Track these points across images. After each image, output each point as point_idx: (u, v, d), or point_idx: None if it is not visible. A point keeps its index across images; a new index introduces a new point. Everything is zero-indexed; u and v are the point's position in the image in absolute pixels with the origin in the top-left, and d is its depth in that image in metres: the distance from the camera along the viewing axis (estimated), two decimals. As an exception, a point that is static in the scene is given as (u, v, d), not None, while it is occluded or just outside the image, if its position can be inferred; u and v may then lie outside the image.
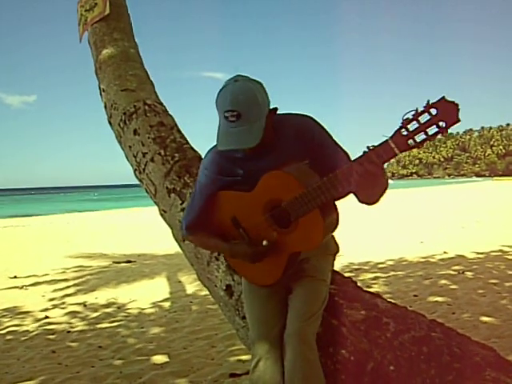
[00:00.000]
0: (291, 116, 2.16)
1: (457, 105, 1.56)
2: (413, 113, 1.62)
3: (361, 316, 2.31)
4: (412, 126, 1.62)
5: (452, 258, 8.64)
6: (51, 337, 5.25)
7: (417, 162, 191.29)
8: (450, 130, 1.58)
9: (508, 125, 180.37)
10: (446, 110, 1.57)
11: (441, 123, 1.58)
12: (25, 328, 5.69)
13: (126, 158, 3.80)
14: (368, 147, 1.73)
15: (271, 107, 2.05)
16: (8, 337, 5.36)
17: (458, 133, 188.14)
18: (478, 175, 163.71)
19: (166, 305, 6.57)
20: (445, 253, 9.13)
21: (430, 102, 1.59)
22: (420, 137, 1.61)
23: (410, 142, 1.63)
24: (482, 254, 8.85)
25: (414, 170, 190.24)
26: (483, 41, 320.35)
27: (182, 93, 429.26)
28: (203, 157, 2.32)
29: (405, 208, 23.61)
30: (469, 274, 7.19)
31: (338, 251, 2.36)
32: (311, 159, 2.09)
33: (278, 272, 2.17)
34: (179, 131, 3.64)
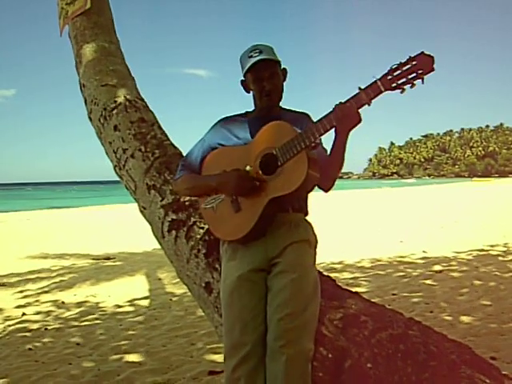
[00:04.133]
0: (293, 110, 2.42)
1: (432, 57, 1.87)
2: (397, 64, 1.92)
3: (339, 314, 2.32)
4: (396, 73, 1.92)
5: (431, 257, 8.75)
6: (28, 334, 5.20)
7: (398, 162, 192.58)
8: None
9: (487, 126, 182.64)
10: (424, 61, 1.88)
11: (419, 71, 1.88)
12: (1, 326, 5.62)
13: (106, 154, 3.77)
14: (359, 88, 2.00)
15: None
16: (-16, 334, 5.29)
17: (438, 134, 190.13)
18: (457, 176, 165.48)
19: (146, 302, 6.54)
20: (424, 252, 9.24)
21: (411, 56, 1.89)
22: (401, 80, 1.91)
23: (394, 84, 1.93)
24: (460, 253, 8.97)
25: (394, 170, 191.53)
26: (463, 41, 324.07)
27: (164, 89, 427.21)
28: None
29: (385, 207, 23.80)
30: (447, 273, 7.28)
31: (317, 243, 2.34)
32: None
33: (252, 221, 2.16)
34: (160, 127, 3.62)
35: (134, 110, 3.62)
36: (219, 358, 4.11)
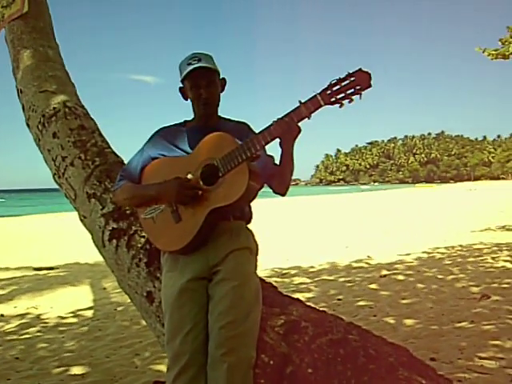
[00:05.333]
0: (232, 119, 2.45)
1: (369, 74, 1.93)
2: (336, 79, 1.97)
3: (280, 321, 2.34)
4: (335, 88, 1.97)
5: (375, 262, 8.93)
6: (-36, 349, 4.98)
7: (344, 168, 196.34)
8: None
9: (429, 134, 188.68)
10: (362, 78, 1.93)
11: (357, 87, 1.93)
12: None
13: (45, 161, 3.67)
14: (300, 101, 2.04)
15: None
16: None
17: (383, 141, 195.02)
18: (401, 182, 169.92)
19: (89, 313, 6.38)
20: (368, 257, 9.42)
21: (350, 72, 1.95)
22: (340, 95, 1.96)
23: (333, 99, 1.97)
24: (404, 257, 9.20)
25: (341, 177, 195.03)
26: (407, 54, 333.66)
27: (110, 95, 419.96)
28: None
29: (330, 214, 24.16)
30: (391, 277, 7.44)
31: (257, 251, 2.35)
32: None
33: (193, 231, 2.15)
34: (101, 135, 3.55)
35: (74, 117, 3.54)
36: (164, 367, 4.02)
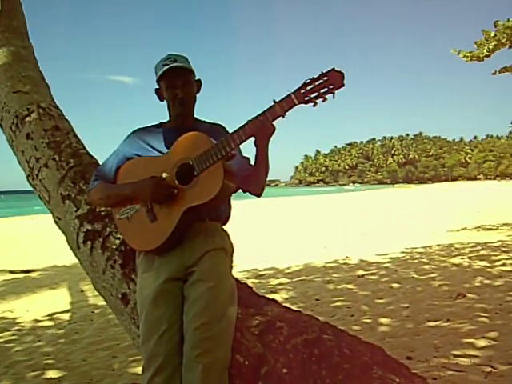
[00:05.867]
0: (207, 121, 2.44)
1: (342, 73, 1.96)
2: (310, 79, 1.99)
3: (255, 321, 2.34)
4: (309, 87, 1.99)
5: (353, 262, 8.98)
6: None
7: (323, 169, 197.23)
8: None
9: (407, 135, 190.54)
10: (335, 77, 1.96)
11: (330, 86, 1.96)
12: None
13: (19, 162, 3.62)
14: (274, 101, 2.05)
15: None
16: None
17: (362, 142, 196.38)
18: (380, 183, 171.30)
19: (66, 316, 6.33)
20: (347, 257, 9.47)
21: (323, 71, 1.97)
22: (314, 94, 1.98)
23: (307, 98, 1.99)
24: (381, 257, 9.27)
25: (320, 178, 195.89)
26: (386, 55, 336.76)
27: (87, 96, 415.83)
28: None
29: (310, 214, 24.26)
30: (369, 277, 7.50)
31: (233, 251, 2.36)
32: None
33: (168, 231, 2.15)
34: (75, 136, 3.52)
35: (48, 118, 3.50)
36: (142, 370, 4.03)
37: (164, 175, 2.18)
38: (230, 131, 2.21)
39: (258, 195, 2.38)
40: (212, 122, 2.45)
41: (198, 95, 2.39)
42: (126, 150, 2.37)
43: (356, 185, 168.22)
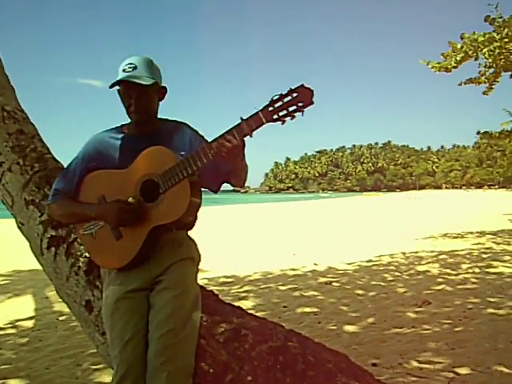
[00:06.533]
0: (171, 120, 2.39)
1: (312, 91, 1.89)
2: (278, 95, 1.92)
3: (221, 329, 2.33)
4: (277, 104, 1.92)
5: (321, 269, 9.03)
6: None
7: (293, 176, 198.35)
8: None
9: (376, 143, 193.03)
10: (304, 94, 1.89)
11: (300, 104, 1.89)
12: None
13: (-18, 166, 3.54)
14: (241, 118, 1.97)
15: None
16: None
17: (331, 149, 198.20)
18: (349, 190, 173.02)
19: (30, 323, 6.18)
20: (315, 265, 9.51)
21: (292, 88, 1.91)
22: (283, 112, 1.91)
23: (275, 116, 1.92)
24: (349, 265, 9.35)
25: (290, 185, 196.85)
26: (356, 61, 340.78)
27: (55, 99, 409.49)
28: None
29: (279, 221, 24.31)
30: (336, 284, 7.55)
31: (200, 260, 2.35)
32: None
33: (134, 249, 2.13)
34: (41, 140, 3.45)
35: (13, 122, 3.43)
36: (106, 378, 3.98)
37: (130, 200, 2.14)
38: (204, 137, 2.20)
39: (241, 187, 2.38)
40: (177, 120, 2.40)
41: (162, 102, 2.32)
42: (86, 159, 2.32)
43: (329, 192, 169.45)
